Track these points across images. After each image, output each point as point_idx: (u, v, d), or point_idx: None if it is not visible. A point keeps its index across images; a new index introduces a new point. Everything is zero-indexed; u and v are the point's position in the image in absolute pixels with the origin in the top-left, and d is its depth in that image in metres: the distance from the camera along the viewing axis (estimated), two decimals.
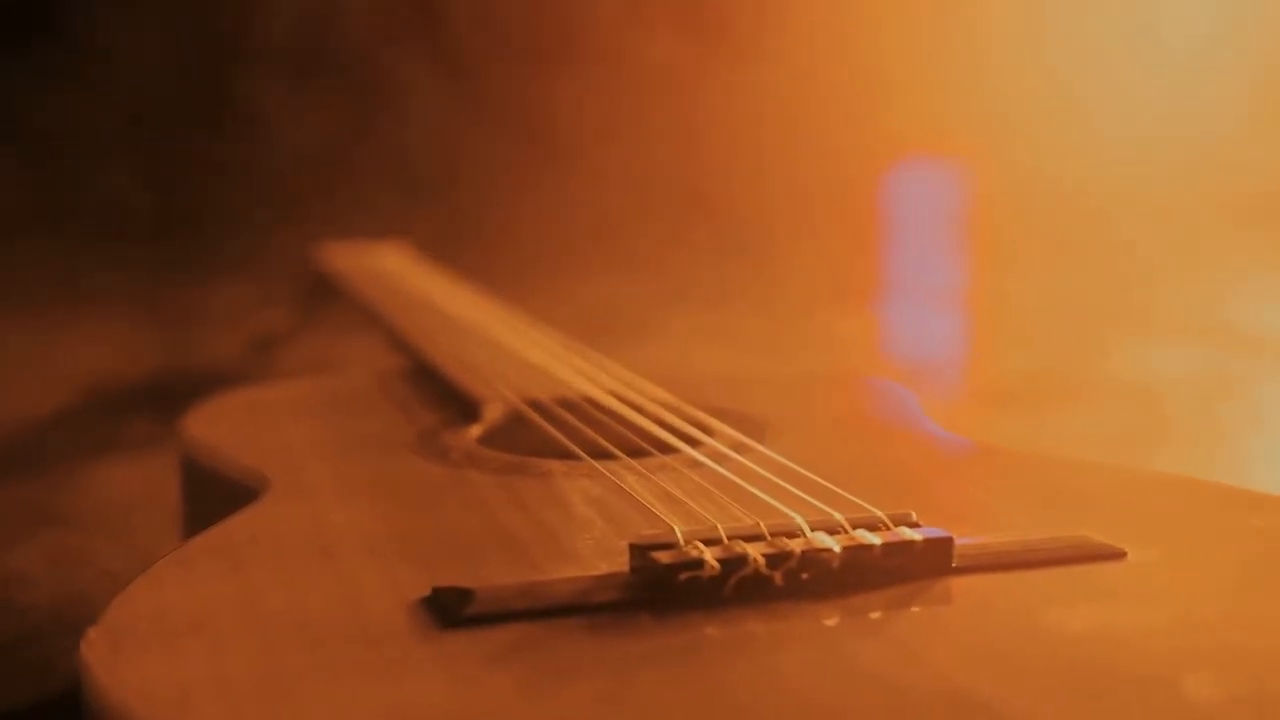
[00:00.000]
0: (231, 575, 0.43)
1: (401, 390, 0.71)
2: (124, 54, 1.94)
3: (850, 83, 2.06)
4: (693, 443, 0.57)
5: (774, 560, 0.41)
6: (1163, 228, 1.81)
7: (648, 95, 2.03)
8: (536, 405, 0.63)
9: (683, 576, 0.40)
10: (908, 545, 0.42)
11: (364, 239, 1.19)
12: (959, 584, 0.42)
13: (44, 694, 0.57)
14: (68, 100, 1.91)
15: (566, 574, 0.42)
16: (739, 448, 0.56)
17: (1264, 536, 0.47)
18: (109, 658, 0.37)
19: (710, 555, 0.40)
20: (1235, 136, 2.01)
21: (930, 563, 0.42)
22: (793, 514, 0.44)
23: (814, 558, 0.41)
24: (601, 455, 0.55)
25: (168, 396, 1.00)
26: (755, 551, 0.41)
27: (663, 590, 0.40)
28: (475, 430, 0.61)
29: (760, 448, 0.55)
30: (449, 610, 0.39)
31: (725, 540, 0.42)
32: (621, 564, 0.42)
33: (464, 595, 0.40)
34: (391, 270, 1.06)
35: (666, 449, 0.56)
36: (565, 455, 0.56)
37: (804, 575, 0.41)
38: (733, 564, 0.40)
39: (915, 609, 0.41)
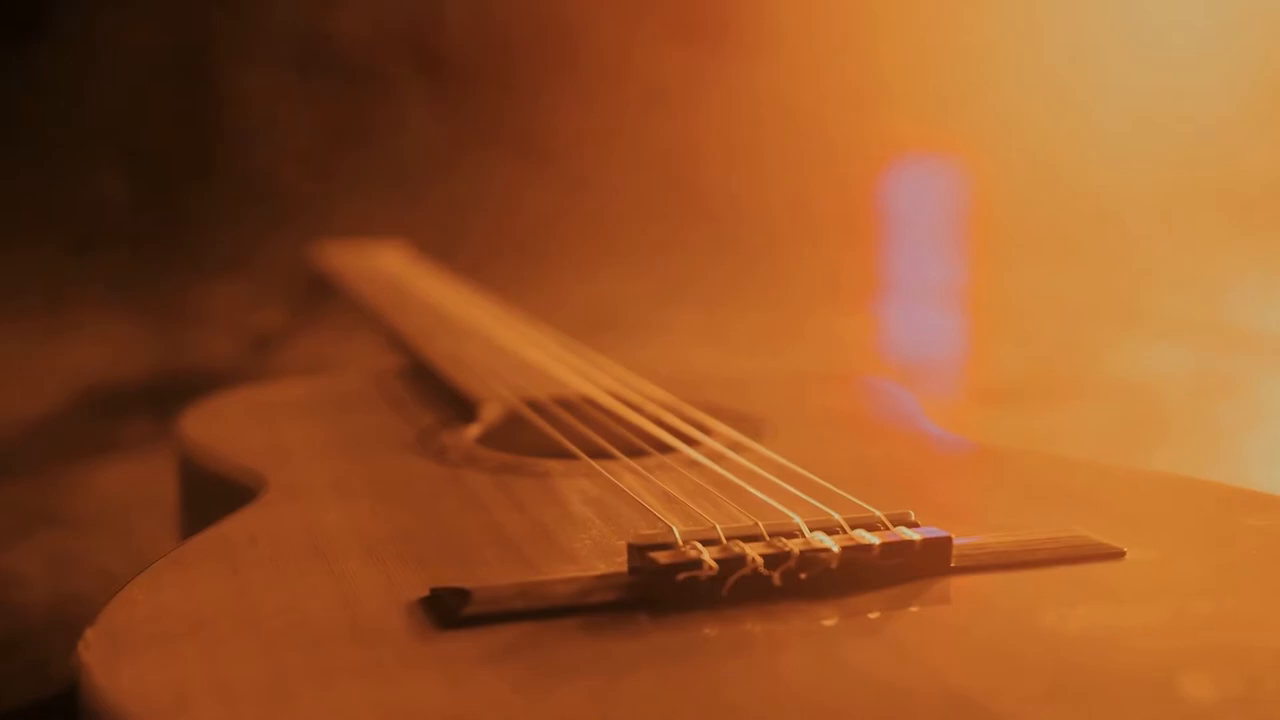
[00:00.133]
0: (229, 576, 0.43)
1: (399, 390, 0.71)
2: (119, 52, 1.94)
3: (849, 83, 2.06)
4: (691, 442, 0.57)
5: (772, 560, 0.41)
6: (1161, 227, 1.81)
7: (648, 95, 2.03)
8: (534, 405, 0.63)
9: (681, 576, 0.40)
10: (906, 545, 0.42)
11: (361, 238, 1.19)
12: (958, 584, 0.42)
13: (41, 694, 0.57)
14: (62, 99, 1.91)
15: (564, 574, 0.42)
16: (737, 447, 0.56)
17: (1262, 536, 0.47)
18: (106, 659, 0.37)
19: (708, 555, 0.40)
20: (1234, 136, 2.01)
21: (929, 562, 0.42)
22: (791, 514, 0.44)
23: (812, 558, 0.41)
24: (599, 455, 0.55)
25: (165, 396, 1.00)
26: (753, 551, 0.41)
27: (661, 590, 0.40)
28: (473, 430, 0.61)
29: (758, 447, 0.55)
30: (447, 610, 0.39)
31: (723, 540, 0.42)
32: (620, 564, 0.42)
33: (462, 595, 0.40)
34: (389, 269, 1.06)
35: (665, 449, 0.56)
36: (563, 455, 0.56)
37: (802, 575, 0.41)
38: (731, 564, 0.40)
39: (914, 609, 0.41)
